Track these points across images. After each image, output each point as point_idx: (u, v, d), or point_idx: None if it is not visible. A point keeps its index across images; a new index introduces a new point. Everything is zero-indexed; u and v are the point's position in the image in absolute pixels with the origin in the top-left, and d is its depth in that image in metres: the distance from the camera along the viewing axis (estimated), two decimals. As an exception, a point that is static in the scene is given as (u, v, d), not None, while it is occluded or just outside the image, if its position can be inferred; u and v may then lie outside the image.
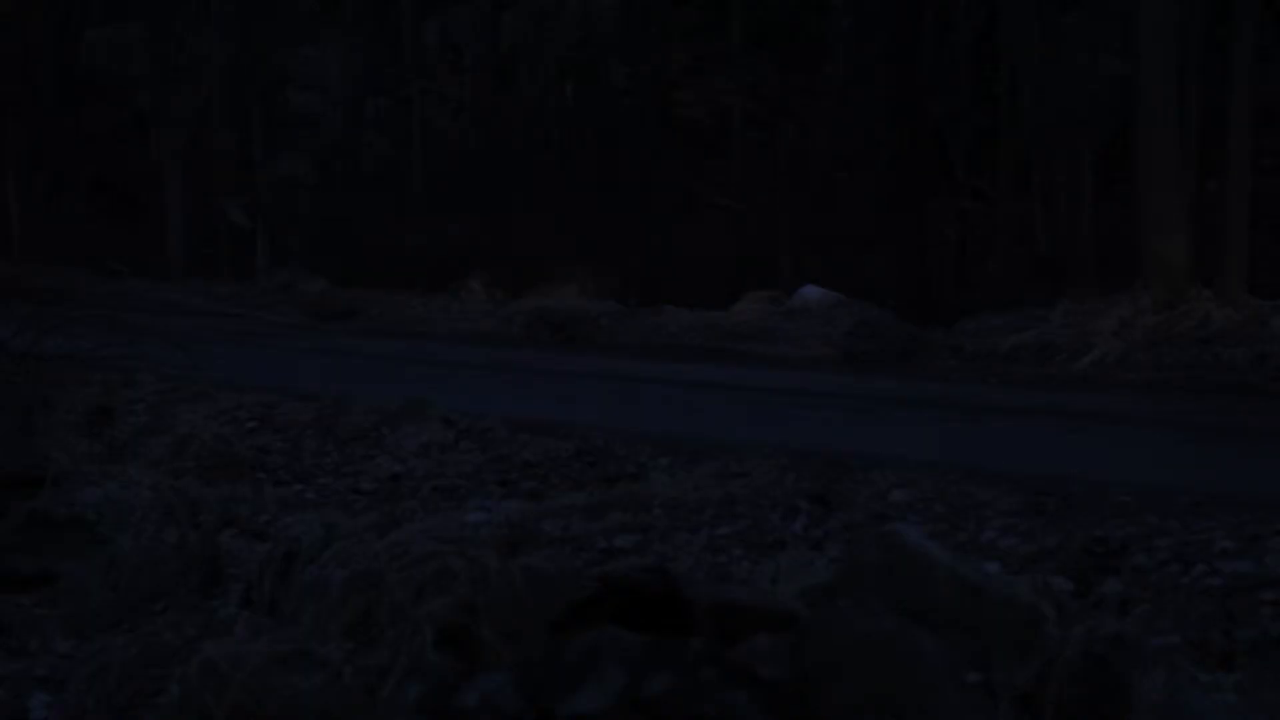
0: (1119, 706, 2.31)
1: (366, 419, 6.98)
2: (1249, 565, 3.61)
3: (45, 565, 4.07)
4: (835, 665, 2.20)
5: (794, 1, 23.11)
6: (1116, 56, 18.00)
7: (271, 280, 24.18)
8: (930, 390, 10.30)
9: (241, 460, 6.37)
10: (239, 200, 28.01)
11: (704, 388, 10.60)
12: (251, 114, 28.05)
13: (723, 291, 16.23)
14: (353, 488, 5.85)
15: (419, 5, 26.74)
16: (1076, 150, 18.24)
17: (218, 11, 28.87)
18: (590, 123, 24.29)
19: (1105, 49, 18.93)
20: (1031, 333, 12.60)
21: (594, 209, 21.99)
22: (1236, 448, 7.32)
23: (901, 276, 17.95)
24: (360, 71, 27.38)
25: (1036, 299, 13.70)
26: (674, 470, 5.61)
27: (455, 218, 23.45)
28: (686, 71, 24.32)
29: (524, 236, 21.33)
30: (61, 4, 30.77)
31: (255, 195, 27.75)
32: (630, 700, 2.18)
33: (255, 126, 28.09)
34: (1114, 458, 6.76)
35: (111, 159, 29.94)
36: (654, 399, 9.77)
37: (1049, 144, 18.83)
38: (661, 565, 2.60)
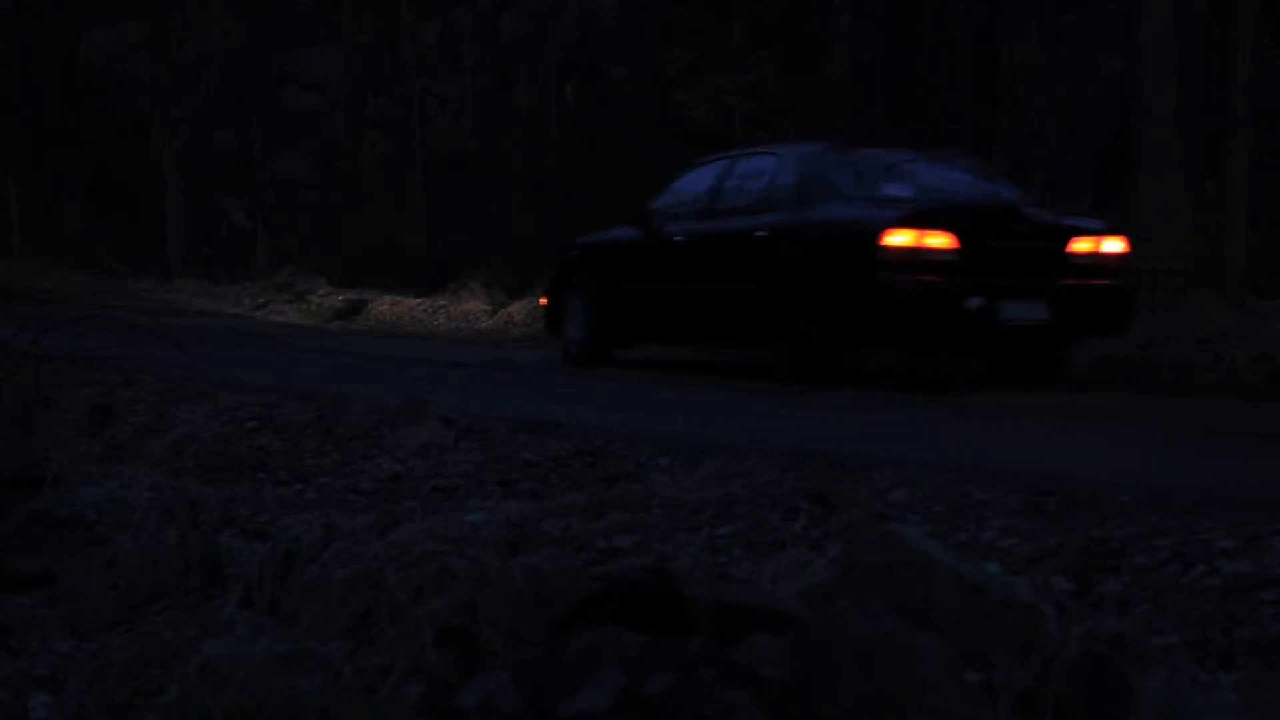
0: (1119, 706, 2.30)
1: (366, 419, 6.96)
2: (1249, 565, 3.60)
3: (45, 565, 4.06)
4: (835, 665, 2.20)
5: (794, 1, 23.11)
6: (1116, 56, 18.00)
7: (271, 280, 24.20)
8: (930, 390, 10.29)
9: (241, 460, 6.35)
10: (239, 200, 28.03)
11: (704, 387, 10.60)
12: (251, 114, 28.07)
13: (723, 291, 16.16)
14: (353, 488, 5.83)
15: (419, 5, 26.74)
16: (1076, 150, 18.23)
17: (218, 11, 28.90)
18: (590, 123, 24.28)
19: (1105, 48, 18.93)
20: (1031, 333, 12.57)
21: (594, 209, 21.95)
22: (1236, 448, 7.31)
23: (901, 276, 17.89)
24: (360, 71, 27.39)
25: (1036, 299, 13.64)
26: (674, 470, 5.59)
27: (455, 218, 23.45)
28: (686, 71, 24.30)
29: (524, 236, 21.32)
30: (61, 4, 30.78)
31: (255, 195, 27.77)
32: (630, 700, 2.18)
33: (255, 126, 28.11)
34: (1114, 458, 6.75)
35: (111, 159, 29.96)
36: (654, 399, 9.77)
37: (1049, 144, 18.82)
38: (661, 565, 2.60)
